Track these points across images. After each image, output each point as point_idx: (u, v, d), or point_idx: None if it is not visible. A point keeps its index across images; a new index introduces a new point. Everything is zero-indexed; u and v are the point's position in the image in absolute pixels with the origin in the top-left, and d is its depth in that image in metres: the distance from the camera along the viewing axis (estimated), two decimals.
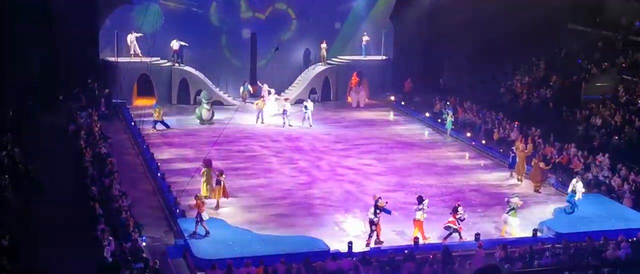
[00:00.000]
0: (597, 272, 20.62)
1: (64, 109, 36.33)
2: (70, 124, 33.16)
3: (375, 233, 23.40)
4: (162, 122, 36.74)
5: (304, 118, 38.07)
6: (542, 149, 32.33)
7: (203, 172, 27.03)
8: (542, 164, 29.26)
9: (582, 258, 21.94)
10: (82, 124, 33.12)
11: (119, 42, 41.46)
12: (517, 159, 30.10)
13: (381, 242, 23.46)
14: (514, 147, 30.95)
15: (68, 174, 27.46)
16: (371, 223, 23.38)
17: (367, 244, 23.25)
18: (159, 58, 41.79)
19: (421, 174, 31.08)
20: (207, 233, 23.17)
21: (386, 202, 23.72)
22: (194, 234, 23.11)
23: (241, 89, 43.25)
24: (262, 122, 38.25)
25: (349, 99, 44.23)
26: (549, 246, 23.04)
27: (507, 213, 24.73)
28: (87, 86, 39.06)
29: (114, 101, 39.19)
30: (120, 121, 38.03)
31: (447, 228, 24.04)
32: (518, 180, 30.01)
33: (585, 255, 22.09)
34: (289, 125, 37.67)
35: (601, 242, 22.85)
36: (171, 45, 41.49)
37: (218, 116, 38.61)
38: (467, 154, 34.52)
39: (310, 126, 37.81)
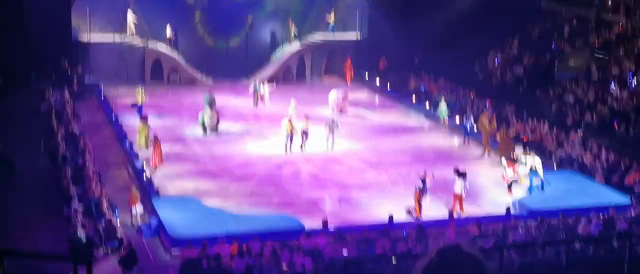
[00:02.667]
0: (570, 247, 20.83)
1: (35, 88, 35.89)
2: (43, 104, 32.81)
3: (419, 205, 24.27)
4: (140, 109, 33.19)
5: (328, 139, 30.93)
6: (514, 126, 32.54)
7: (139, 127, 29.35)
8: (509, 132, 31.01)
9: (555, 234, 22.16)
10: (54, 103, 32.78)
11: (91, 21, 40.80)
12: (482, 133, 30.63)
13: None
14: (467, 114, 32.57)
15: (40, 154, 27.19)
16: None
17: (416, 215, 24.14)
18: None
19: (397, 151, 31.13)
20: (138, 229, 22.79)
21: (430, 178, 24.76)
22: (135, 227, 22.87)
23: (251, 88, 37.88)
24: (291, 150, 30.47)
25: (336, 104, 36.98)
26: (522, 223, 23.23)
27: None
28: (60, 65, 38.61)
29: (87, 82, 38.76)
30: (94, 100, 37.64)
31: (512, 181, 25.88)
32: (485, 152, 30.69)
33: (558, 231, 22.31)
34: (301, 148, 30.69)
35: (573, 218, 23.07)
36: (167, 33, 41.39)
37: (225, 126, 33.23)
38: (440, 133, 34.62)
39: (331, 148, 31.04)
